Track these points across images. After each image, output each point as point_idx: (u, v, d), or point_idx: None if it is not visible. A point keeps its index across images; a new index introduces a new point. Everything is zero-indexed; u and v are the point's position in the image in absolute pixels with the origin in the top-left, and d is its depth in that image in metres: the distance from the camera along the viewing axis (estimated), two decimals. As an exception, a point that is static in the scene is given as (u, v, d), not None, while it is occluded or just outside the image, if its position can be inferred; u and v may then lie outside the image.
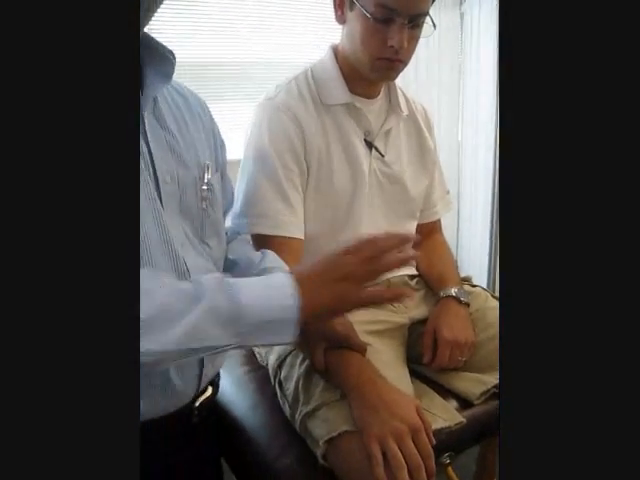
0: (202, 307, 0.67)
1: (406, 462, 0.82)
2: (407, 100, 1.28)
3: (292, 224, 1.10)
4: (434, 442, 0.87)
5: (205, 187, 0.86)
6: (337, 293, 0.74)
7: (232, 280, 0.73)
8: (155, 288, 0.66)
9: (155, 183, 0.78)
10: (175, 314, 0.66)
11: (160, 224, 0.77)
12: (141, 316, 0.63)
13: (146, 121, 0.78)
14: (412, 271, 1.30)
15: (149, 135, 0.78)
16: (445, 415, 1.00)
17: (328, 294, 0.74)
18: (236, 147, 1.21)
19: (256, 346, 0.73)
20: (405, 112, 1.24)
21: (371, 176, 1.19)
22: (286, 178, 1.09)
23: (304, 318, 0.71)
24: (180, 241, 0.81)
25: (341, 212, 1.17)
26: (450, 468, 1.47)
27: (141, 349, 0.62)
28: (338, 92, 1.15)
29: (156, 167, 0.79)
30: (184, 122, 0.87)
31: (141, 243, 0.73)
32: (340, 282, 0.74)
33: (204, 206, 0.86)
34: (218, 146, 0.94)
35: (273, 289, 0.72)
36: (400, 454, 0.82)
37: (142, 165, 0.77)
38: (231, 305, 0.69)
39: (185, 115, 0.88)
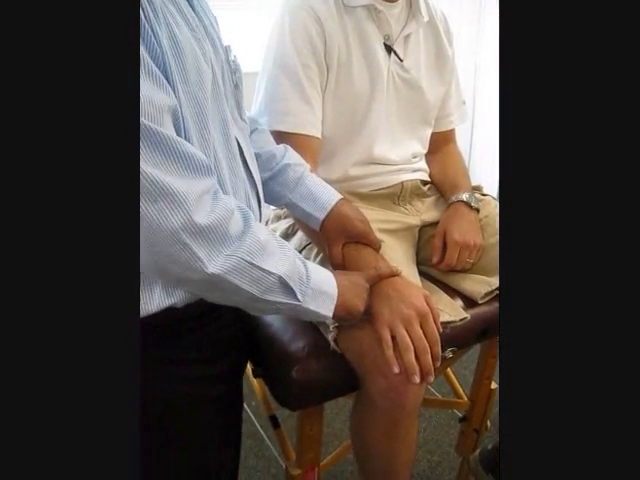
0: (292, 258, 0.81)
1: (414, 345, 0.88)
2: (428, 6, 1.27)
3: (311, 123, 1.12)
4: (441, 330, 0.92)
5: (233, 66, 0.89)
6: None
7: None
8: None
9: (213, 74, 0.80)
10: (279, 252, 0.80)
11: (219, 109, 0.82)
12: (261, 238, 0.76)
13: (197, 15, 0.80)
14: (425, 177, 1.33)
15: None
16: (451, 311, 1.04)
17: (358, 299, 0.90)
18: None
19: (306, 316, 0.88)
20: (426, 18, 1.23)
21: (389, 80, 1.19)
22: (306, 77, 1.10)
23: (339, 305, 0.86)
24: (230, 123, 0.84)
25: (358, 115, 1.18)
26: (450, 370, 1.54)
27: (260, 264, 0.76)
28: None
29: (211, 57, 0.80)
30: (200, 6, 0.85)
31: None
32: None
33: (235, 84, 0.89)
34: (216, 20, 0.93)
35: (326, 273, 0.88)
36: (408, 337, 0.88)
37: (202, 56, 0.78)
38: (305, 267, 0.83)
39: None
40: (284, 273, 0.78)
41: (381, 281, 0.94)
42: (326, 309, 0.85)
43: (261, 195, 0.92)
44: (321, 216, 0.99)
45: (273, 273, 0.77)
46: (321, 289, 0.84)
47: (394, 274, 0.95)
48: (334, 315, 0.86)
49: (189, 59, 0.72)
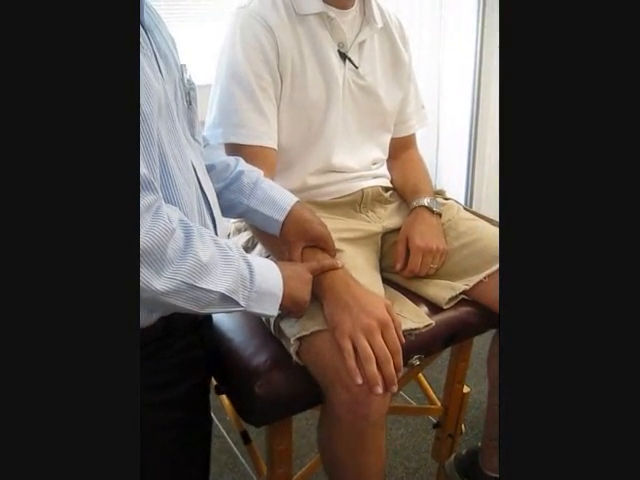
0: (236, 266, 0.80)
1: (375, 355, 0.87)
2: (382, 12, 1.26)
3: (266, 134, 1.10)
4: (403, 340, 0.91)
5: (188, 85, 0.89)
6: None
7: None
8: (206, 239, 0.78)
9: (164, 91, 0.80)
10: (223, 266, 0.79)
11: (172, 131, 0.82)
12: (203, 259, 0.75)
13: (148, 34, 0.80)
14: (386, 183, 1.32)
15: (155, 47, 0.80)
16: (415, 318, 1.03)
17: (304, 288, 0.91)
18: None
19: (254, 314, 0.90)
20: (379, 24, 1.23)
21: (345, 88, 1.18)
22: (259, 88, 1.09)
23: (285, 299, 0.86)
24: (184, 142, 0.84)
25: (315, 123, 1.17)
26: (420, 374, 1.53)
27: (201, 285, 0.75)
28: (311, 1, 1.13)
29: (163, 75, 0.80)
30: (155, 25, 0.85)
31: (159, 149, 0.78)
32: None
33: (189, 103, 0.89)
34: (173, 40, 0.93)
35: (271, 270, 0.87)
36: (369, 348, 0.86)
37: (150, 71, 0.77)
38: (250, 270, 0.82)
39: (152, 17, 0.86)
40: (226, 289, 0.78)
41: (340, 290, 0.93)
42: (271, 309, 0.86)
43: (216, 214, 0.91)
44: (281, 218, 0.98)
45: (214, 291, 0.77)
46: (266, 290, 0.84)
47: (335, 267, 0.96)
48: (281, 307, 0.86)
49: None
